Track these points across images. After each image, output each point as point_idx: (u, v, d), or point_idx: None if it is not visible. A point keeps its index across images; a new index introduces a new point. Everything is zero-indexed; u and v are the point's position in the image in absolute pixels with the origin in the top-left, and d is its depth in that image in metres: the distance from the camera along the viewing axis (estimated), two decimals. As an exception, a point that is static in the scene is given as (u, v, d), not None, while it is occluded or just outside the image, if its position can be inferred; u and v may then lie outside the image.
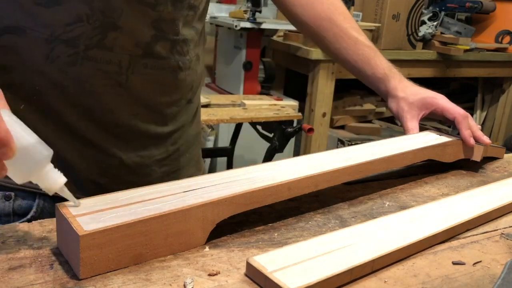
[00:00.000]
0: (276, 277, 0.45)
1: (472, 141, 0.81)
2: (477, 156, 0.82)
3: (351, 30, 0.89)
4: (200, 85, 0.84)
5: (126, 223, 0.47)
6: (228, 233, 0.56)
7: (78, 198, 0.68)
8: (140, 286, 0.45)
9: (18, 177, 0.47)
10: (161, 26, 0.68)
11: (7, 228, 0.53)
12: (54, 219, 0.52)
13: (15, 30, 0.61)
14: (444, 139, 0.80)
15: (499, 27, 3.18)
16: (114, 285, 0.45)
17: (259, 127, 2.10)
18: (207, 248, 0.52)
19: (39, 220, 0.56)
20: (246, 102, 2.02)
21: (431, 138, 0.80)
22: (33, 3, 0.60)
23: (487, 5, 3.11)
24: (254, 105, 2.02)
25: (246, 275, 0.48)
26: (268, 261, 0.47)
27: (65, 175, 0.66)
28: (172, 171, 0.78)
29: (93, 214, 0.48)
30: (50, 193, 0.50)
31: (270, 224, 0.59)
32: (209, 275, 0.48)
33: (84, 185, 0.69)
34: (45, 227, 0.54)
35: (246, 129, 2.18)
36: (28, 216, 0.68)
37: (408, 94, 0.88)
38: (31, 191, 0.68)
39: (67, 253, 0.48)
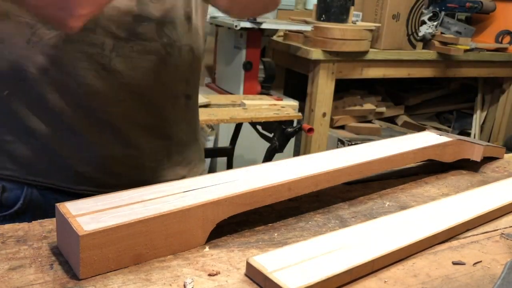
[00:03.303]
0: (276, 277, 0.45)
1: None
2: (477, 156, 0.82)
3: None
4: (198, 83, 0.81)
5: (126, 223, 0.47)
6: (228, 233, 0.56)
7: (66, 188, 0.67)
8: (140, 286, 0.45)
9: None
10: (144, 5, 0.66)
11: (7, 228, 0.53)
12: (54, 219, 0.52)
13: None
14: (444, 139, 0.80)
15: (499, 27, 3.18)
16: (114, 285, 0.45)
17: (259, 127, 2.10)
18: (207, 248, 0.52)
19: (39, 220, 0.55)
20: (246, 102, 2.01)
21: (431, 138, 0.80)
22: None
23: (487, 5, 3.11)
24: (254, 105, 2.02)
25: (246, 275, 0.48)
26: (268, 261, 0.47)
27: (51, 164, 0.66)
28: (162, 168, 0.76)
29: (93, 214, 0.48)
30: None
31: (270, 224, 0.59)
32: (209, 275, 0.48)
33: (71, 174, 0.68)
34: (45, 227, 0.54)
35: (246, 129, 2.17)
36: (16, 208, 0.68)
37: None
38: (20, 181, 0.68)
39: (67, 253, 0.48)
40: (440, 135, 0.82)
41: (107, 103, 0.67)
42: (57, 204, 0.50)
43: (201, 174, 0.86)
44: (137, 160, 0.72)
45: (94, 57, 0.65)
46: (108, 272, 0.47)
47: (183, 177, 0.79)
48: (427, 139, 0.80)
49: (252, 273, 0.47)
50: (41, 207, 0.69)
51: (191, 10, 0.75)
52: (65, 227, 0.47)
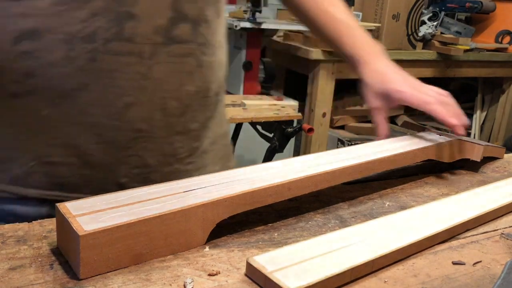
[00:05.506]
0: (276, 277, 0.45)
1: (452, 120, 0.76)
2: (477, 156, 0.82)
3: (328, 6, 0.88)
4: (224, 80, 0.80)
5: (126, 223, 0.47)
6: (228, 233, 0.56)
7: None
8: (140, 286, 0.45)
9: None
10: (179, 5, 0.65)
11: (7, 228, 0.53)
12: (54, 219, 0.52)
13: (33, 35, 0.60)
14: (444, 139, 0.80)
15: (499, 27, 3.18)
16: (114, 285, 0.45)
17: (259, 127, 2.10)
18: (207, 248, 0.52)
19: (39, 220, 0.56)
20: (246, 102, 2.01)
21: (431, 138, 0.80)
22: (50, 4, 0.59)
23: (487, 5, 3.11)
24: (254, 105, 2.02)
25: (246, 275, 0.48)
26: (268, 261, 0.47)
27: (91, 176, 0.67)
28: (195, 169, 0.75)
29: (93, 214, 0.48)
30: None
31: (270, 224, 0.59)
32: (209, 275, 0.48)
33: (108, 185, 0.66)
34: (45, 227, 0.54)
35: (246, 129, 2.17)
36: None
37: (374, 81, 0.82)
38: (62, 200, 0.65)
39: (67, 253, 0.48)
40: (440, 135, 0.83)
41: (146, 112, 0.66)
42: (57, 204, 0.50)
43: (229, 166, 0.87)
44: (173, 166, 0.71)
45: (132, 66, 0.63)
46: (108, 272, 0.47)
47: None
48: (427, 139, 0.80)
49: (252, 273, 0.47)
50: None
51: (220, 4, 0.74)
52: (65, 227, 0.47)
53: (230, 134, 0.88)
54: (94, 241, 0.45)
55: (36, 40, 0.60)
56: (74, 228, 0.45)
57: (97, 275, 0.46)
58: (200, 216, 0.51)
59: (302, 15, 0.91)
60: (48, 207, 0.66)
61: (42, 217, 0.62)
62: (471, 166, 0.84)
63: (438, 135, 0.82)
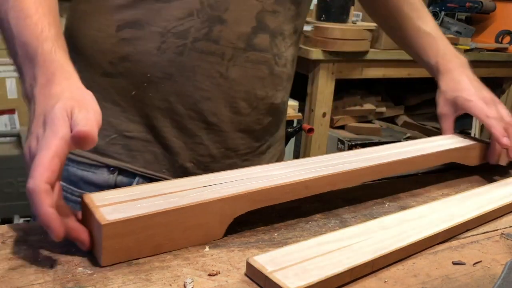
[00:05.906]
0: (276, 277, 0.45)
1: (504, 140, 0.76)
2: (503, 161, 0.81)
3: (418, 21, 0.92)
4: (289, 90, 0.87)
5: (146, 214, 0.48)
6: (228, 233, 0.56)
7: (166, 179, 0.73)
8: (140, 286, 0.45)
9: None
10: (262, 17, 0.72)
11: (7, 228, 0.53)
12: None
13: (134, 25, 0.68)
14: (467, 142, 0.80)
15: (499, 27, 3.17)
16: (114, 285, 0.45)
17: (259, 127, 2.09)
18: (207, 248, 0.53)
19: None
20: (246, 102, 2.01)
21: (454, 141, 0.80)
22: (155, 0, 0.67)
23: (487, 5, 3.10)
24: (254, 105, 2.01)
25: (246, 275, 0.48)
26: (268, 261, 0.47)
27: (162, 155, 0.75)
28: (250, 166, 0.81)
29: (116, 205, 0.49)
30: None
31: (270, 224, 0.59)
32: (209, 275, 0.48)
33: (174, 167, 0.74)
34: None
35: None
36: None
37: (448, 89, 0.85)
38: (133, 172, 0.74)
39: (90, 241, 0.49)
40: (464, 138, 0.82)
41: (217, 107, 0.72)
42: (82, 195, 0.51)
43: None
44: (232, 159, 0.78)
45: (213, 65, 0.70)
46: (128, 260, 0.48)
47: None
48: (450, 142, 0.79)
49: (252, 273, 0.47)
50: None
51: (298, 24, 0.80)
52: (88, 216, 0.49)
53: (284, 139, 0.95)
54: (116, 231, 0.46)
55: (136, 29, 0.68)
56: (97, 217, 0.46)
57: (116, 263, 0.47)
58: (218, 210, 0.52)
59: (392, 29, 0.96)
60: (115, 177, 0.74)
61: (109, 186, 0.73)
62: (471, 166, 0.84)
63: (462, 138, 0.82)
